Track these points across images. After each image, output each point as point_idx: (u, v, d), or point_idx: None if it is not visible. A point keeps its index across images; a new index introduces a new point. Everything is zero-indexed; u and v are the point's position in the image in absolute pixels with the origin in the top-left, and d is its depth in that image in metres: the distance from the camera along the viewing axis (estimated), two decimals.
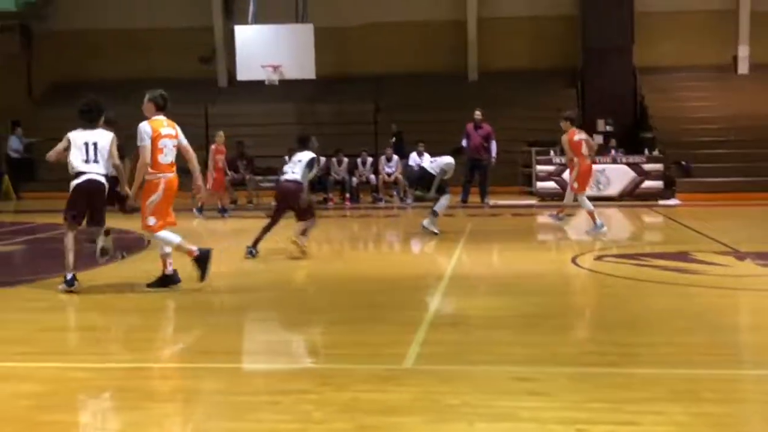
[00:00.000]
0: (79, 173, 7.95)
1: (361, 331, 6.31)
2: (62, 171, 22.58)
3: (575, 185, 12.06)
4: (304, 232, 10.06)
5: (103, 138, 8.04)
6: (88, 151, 7.96)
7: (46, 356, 5.62)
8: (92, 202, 8.04)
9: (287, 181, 10.03)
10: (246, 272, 9.31)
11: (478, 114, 16.74)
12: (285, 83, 20.10)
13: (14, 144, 21.49)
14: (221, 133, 16.35)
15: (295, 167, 10.02)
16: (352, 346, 5.81)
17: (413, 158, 18.40)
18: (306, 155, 10.13)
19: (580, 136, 12.09)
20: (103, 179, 8.00)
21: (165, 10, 23.48)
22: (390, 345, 5.79)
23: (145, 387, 4.91)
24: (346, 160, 18.68)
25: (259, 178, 18.70)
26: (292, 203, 10.01)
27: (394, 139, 19.83)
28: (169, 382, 5.02)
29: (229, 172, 17.62)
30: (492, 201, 17.32)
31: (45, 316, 6.99)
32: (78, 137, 8.01)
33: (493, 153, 17.13)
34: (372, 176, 18.68)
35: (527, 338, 5.95)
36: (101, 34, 23.82)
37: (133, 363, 5.38)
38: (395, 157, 18.59)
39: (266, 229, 10.13)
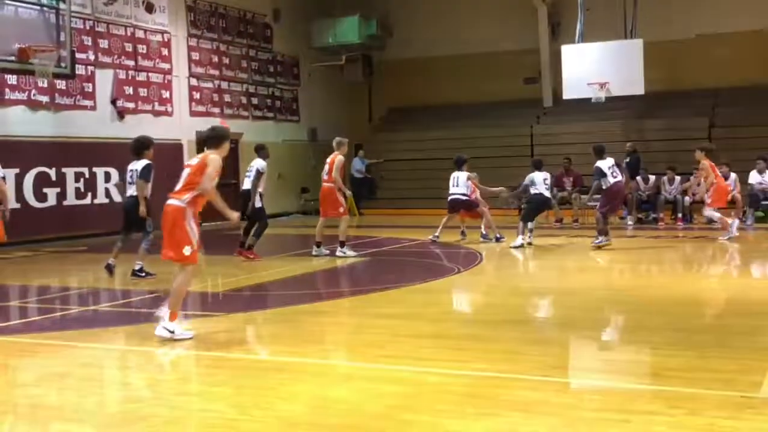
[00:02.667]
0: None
1: (709, 355, 6.08)
2: (399, 190, 23.94)
3: (709, 201, 14.49)
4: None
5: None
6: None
7: (404, 360, 6.13)
8: None
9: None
10: (577, 290, 9.36)
11: None
12: (612, 100, 19.83)
13: (357, 165, 23.54)
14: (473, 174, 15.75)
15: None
16: (700, 371, 5.64)
17: (754, 176, 17.19)
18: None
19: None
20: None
21: (492, 35, 24.23)
22: (743, 372, 5.54)
23: (496, 395, 5.19)
24: (678, 178, 17.93)
25: (585, 197, 18.57)
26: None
27: (628, 159, 18.39)
28: (518, 392, 5.24)
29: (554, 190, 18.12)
30: None
31: (398, 323, 7.61)
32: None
33: None
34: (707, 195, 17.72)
35: None
36: (432, 61, 25.19)
37: (485, 372, 5.69)
38: (733, 175, 17.47)
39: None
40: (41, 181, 16.10)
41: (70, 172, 16.72)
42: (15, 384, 5.98)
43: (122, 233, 10.97)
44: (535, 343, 6.62)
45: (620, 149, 21.45)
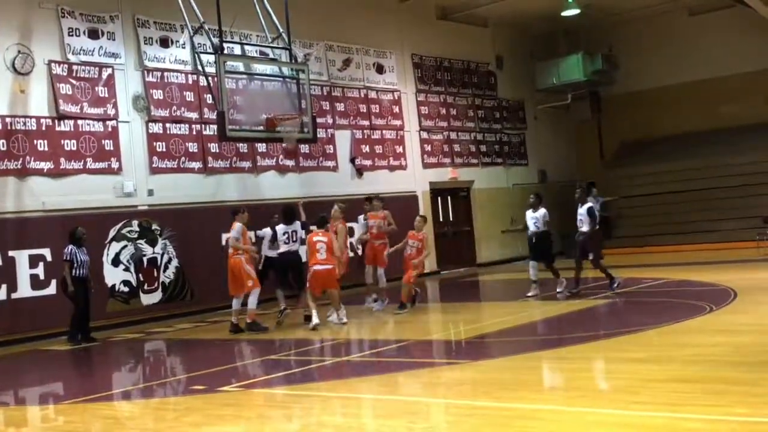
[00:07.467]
0: None
1: None
2: (638, 227, 23.13)
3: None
4: None
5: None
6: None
7: (658, 406, 5.90)
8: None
9: None
10: None
11: None
12: None
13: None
14: None
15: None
16: None
17: None
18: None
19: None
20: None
21: (725, 57, 22.97)
22: None
23: None
24: None
25: None
26: None
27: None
28: None
29: None
30: None
31: (648, 367, 7.33)
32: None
33: None
34: None
35: None
36: (662, 90, 24.23)
37: (749, 417, 5.34)
38: None
39: None
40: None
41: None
42: None
43: (281, 287, 13.16)
44: None
45: None
